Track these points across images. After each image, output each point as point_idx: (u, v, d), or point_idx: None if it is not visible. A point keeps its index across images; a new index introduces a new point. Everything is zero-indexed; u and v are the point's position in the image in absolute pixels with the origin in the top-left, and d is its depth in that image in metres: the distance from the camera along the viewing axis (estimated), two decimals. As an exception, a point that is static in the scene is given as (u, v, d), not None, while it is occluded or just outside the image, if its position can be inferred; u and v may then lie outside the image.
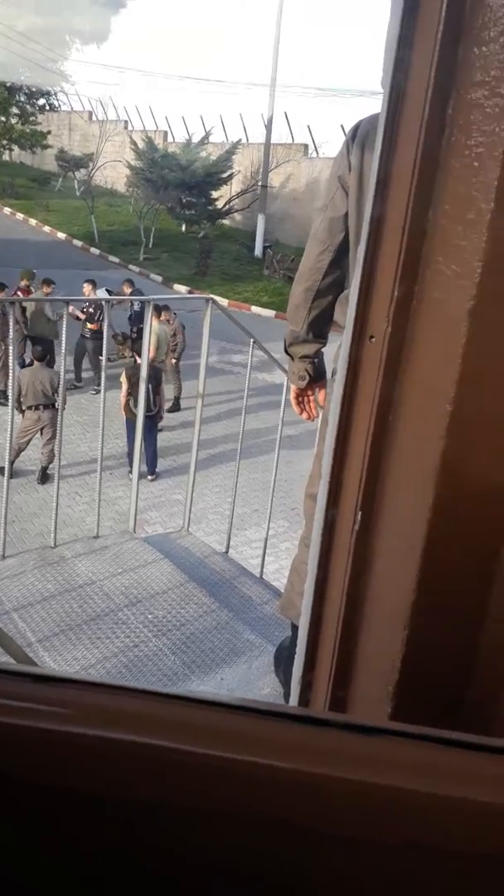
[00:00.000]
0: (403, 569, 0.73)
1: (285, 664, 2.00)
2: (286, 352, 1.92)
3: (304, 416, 2.01)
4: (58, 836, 0.45)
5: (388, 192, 0.64)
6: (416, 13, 0.60)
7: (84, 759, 0.42)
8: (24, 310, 8.82)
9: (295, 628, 1.96)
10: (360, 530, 0.78)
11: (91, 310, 8.80)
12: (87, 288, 9.19)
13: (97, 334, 8.69)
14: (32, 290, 9.61)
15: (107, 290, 9.78)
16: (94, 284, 9.31)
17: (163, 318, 8.97)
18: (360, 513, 0.77)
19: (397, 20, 0.60)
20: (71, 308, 8.82)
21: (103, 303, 8.61)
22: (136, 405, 5.96)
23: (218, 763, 0.41)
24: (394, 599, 0.75)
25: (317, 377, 1.92)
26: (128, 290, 9.85)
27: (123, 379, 6.85)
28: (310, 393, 1.96)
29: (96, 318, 8.88)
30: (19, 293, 9.32)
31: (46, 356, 7.09)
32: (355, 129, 1.67)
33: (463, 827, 0.45)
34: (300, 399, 1.98)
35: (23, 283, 9.63)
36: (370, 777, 0.42)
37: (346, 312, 2.00)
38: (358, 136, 1.64)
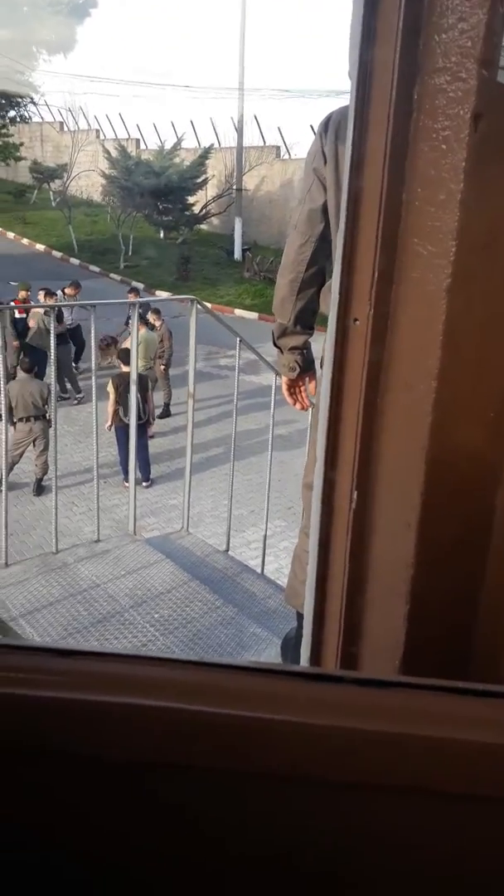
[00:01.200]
0: (401, 544, 0.76)
1: (292, 654, 2.02)
2: (275, 345, 1.95)
3: (298, 406, 2.04)
4: (86, 804, 0.47)
5: (362, 178, 0.67)
6: (377, 5, 0.62)
7: (109, 726, 0.44)
8: (23, 321, 8.88)
9: (300, 617, 1.98)
10: (356, 509, 0.80)
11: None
12: (40, 295, 9.30)
13: (61, 338, 8.69)
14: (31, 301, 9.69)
15: (62, 292, 9.84)
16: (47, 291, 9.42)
17: (152, 319, 8.98)
18: (355, 493, 0.80)
19: (360, 12, 0.63)
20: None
21: (86, 308, 8.65)
22: (125, 414, 5.97)
23: (238, 722, 0.44)
24: (393, 574, 0.77)
25: (306, 367, 1.95)
26: (73, 291, 9.87)
27: (111, 388, 6.85)
28: (301, 384, 1.99)
29: (60, 319, 8.89)
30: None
31: (34, 367, 7.08)
32: (327, 120, 1.69)
33: (473, 769, 0.47)
34: (292, 390, 2.01)
35: (21, 295, 9.65)
36: (384, 726, 0.45)
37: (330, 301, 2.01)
38: (330, 128, 1.67)
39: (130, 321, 3.70)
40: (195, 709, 0.43)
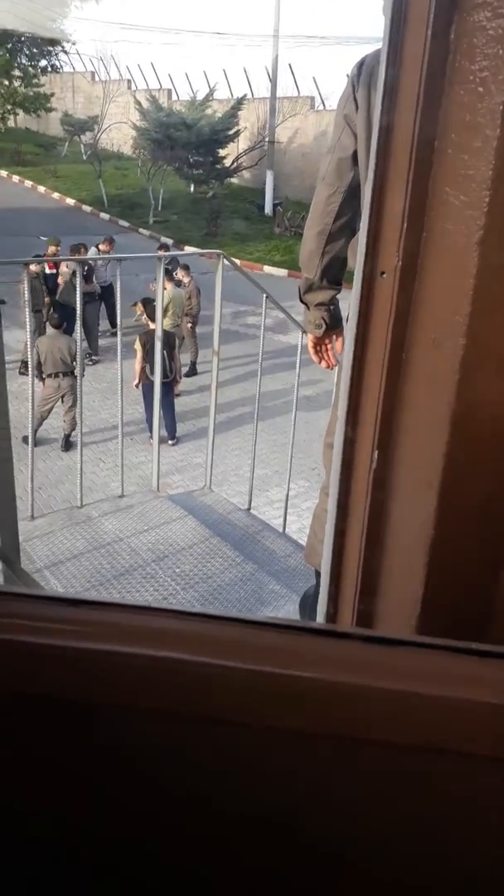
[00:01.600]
0: (421, 504, 0.75)
1: (310, 611, 2.04)
2: (301, 300, 1.91)
3: (323, 364, 2.01)
4: (95, 747, 0.48)
5: (392, 123, 0.64)
6: None
7: (120, 674, 0.44)
8: (54, 277, 8.89)
9: (319, 575, 1.99)
10: (377, 468, 0.79)
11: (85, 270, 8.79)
12: (51, 249, 9.23)
13: (89, 296, 8.66)
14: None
15: (96, 248, 9.76)
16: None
17: (181, 276, 8.90)
18: (376, 452, 0.78)
19: None
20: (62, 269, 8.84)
21: (112, 262, 8.62)
22: (152, 372, 5.97)
23: (243, 675, 0.44)
24: (412, 533, 0.76)
25: (333, 325, 1.91)
26: (107, 248, 9.80)
27: (138, 346, 6.84)
28: (327, 341, 1.95)
29: (90, 278, 8.87)
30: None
31: (63, 323, 7.10)
32: (360, 65, 1.63)
33: (487, 730, 0.47)
34: (318, 348, 1.97)
35: (51, 250, 9.62)
36: (390, 684, 0.45)
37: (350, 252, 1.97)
38: (363, 74, 1.61)
39: (156, 277, 3.66)
40: (198, 660, 0.43)
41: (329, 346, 1.97)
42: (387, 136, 0.65)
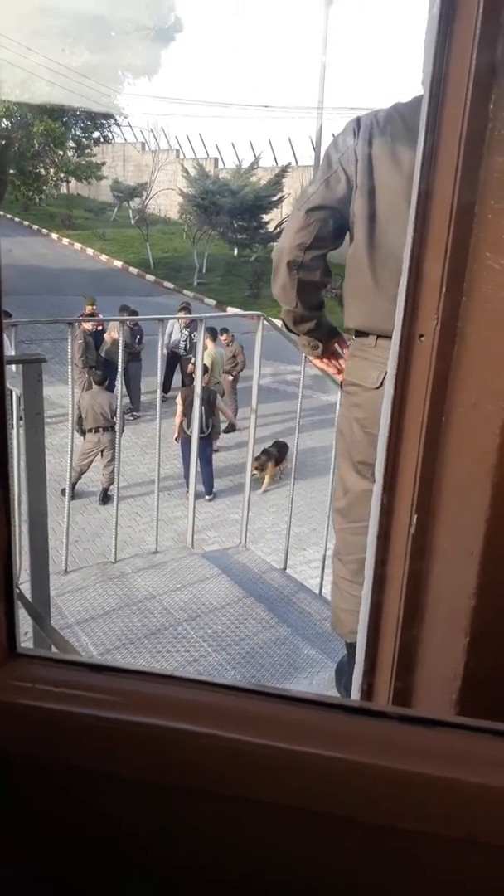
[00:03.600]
0: (462, 572, 0.72)
1: (346, 680, 1.97)
2: (290, 331, 1.90)
3: (333, 371, 1.98)
4: (122, 824, 0.45)
5: (433, 189, 0.64)
6: (453, 13, 0.60)
7: (139, 746, 0.42)
8: (100, 335, 9.17)
9: (348, 645, 1.92)
10: (416, 534, 0.77)
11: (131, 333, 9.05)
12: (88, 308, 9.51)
13: (135, 355, 8.91)
14: (98, 314, 9.94)
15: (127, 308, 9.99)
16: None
17: (222, 338, 9.10)
18: (415, 516, 0.76)
19: (435, 21, 0.61)
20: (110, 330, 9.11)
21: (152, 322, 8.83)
22: (189, 426, 6.03)
23: (271, 753, 0.41)
24: (453, 604, 0.73)
25: (329, 336, 1.90)
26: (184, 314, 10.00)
27: (179, 401, 6.94)
28: (330, 353, 1.93)
29: (137, 341, 9.12)
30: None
31: (106, 380, 7.25)
32: (357, 122, 1.64)
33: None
34: (322, 361, 1.96)
35: (88, 309, 9.93)
36: (431, 769, 0.42)
37: (344, 309, 1.96)
38: (362, 129, 1.61)
39: (195, 335, 3.73)
40: (226, 735, 0.41)
41: (332, 356, 1.94)
42: (426, 202, 0.65)
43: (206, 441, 6.84)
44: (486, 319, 0.64)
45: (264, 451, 7.30)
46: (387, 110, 1.63)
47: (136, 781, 0.43)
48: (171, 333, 9.51)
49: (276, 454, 7.39)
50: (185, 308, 10.68)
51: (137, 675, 0.44)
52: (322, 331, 1.88)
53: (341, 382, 1.87)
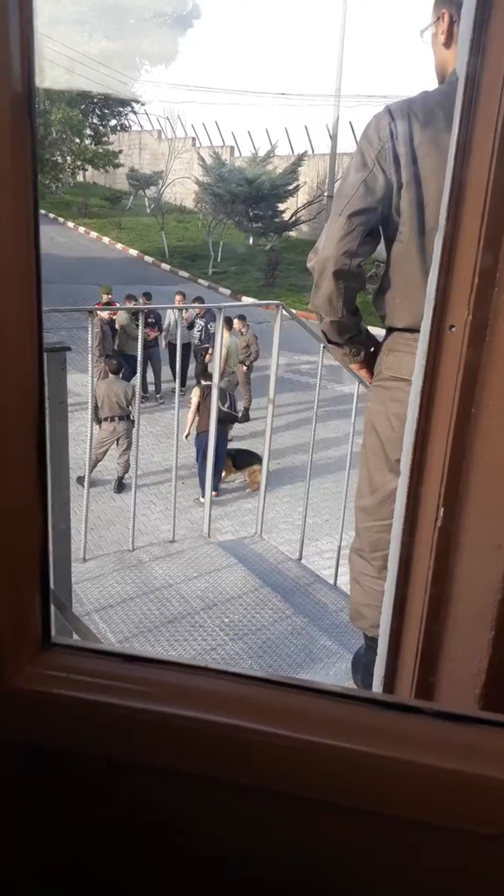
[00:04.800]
0: (489, 566, 0.72)
1: (363, 672, 1.97)
2: (331, 342, 1.81)
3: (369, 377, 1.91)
4: (151, 815, 0.46)
5: (466, 179, 0.63)
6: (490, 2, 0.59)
7: (174, 737, 0.42)
8: (113, 325, 9.18)
9: (367, 638, 1.92)
10: (442, 527, 0.76)
11: (150, 318, 9.07)
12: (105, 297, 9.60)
13: (151, 342, 8.91)
14: (115, 303, 9.92)
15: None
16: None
17: (236, 327, 9.04)
18: (442, 508, 0.76)
19: (471, 12, 0.60)
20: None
21: (170, 313, 8.82)
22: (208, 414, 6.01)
23: (306, 747, 0.41)
24: (479, 598, 0.73)
25: (369, 340, 1.83)
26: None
27: (194, 395, 6.92)
28: (368, 359, 1.87)
29: (156, 325, 9.12)
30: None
31: (122, 369, 7.27)
32: (390, 118, 1.55)
33: None
34: (363, 366, 1.89)
35: (104, 298, 9.92)
36: (463, 766, 0.41)
37: (389, 309, 1.92)
38: (399, 122, 1.54)
39: (213, 325, 3.73)
40: (258, 728, 0.41)
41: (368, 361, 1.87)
42: (459, 192, 0.64)
43: (223, 433, 6.80)
44: (519, 310, 0.63)
45: (245, 453, 7.27)
46: (420, 98, 1.57)
47: (173, 772, 0.43)
48: (168, 325, 9.40)
49: (247, 458, 7.29)
50: (181, 294, 10.65)
51: (169, 666, 0.44)
52: (363, 336, 1.82)
53: (376, 378, 1.80)
